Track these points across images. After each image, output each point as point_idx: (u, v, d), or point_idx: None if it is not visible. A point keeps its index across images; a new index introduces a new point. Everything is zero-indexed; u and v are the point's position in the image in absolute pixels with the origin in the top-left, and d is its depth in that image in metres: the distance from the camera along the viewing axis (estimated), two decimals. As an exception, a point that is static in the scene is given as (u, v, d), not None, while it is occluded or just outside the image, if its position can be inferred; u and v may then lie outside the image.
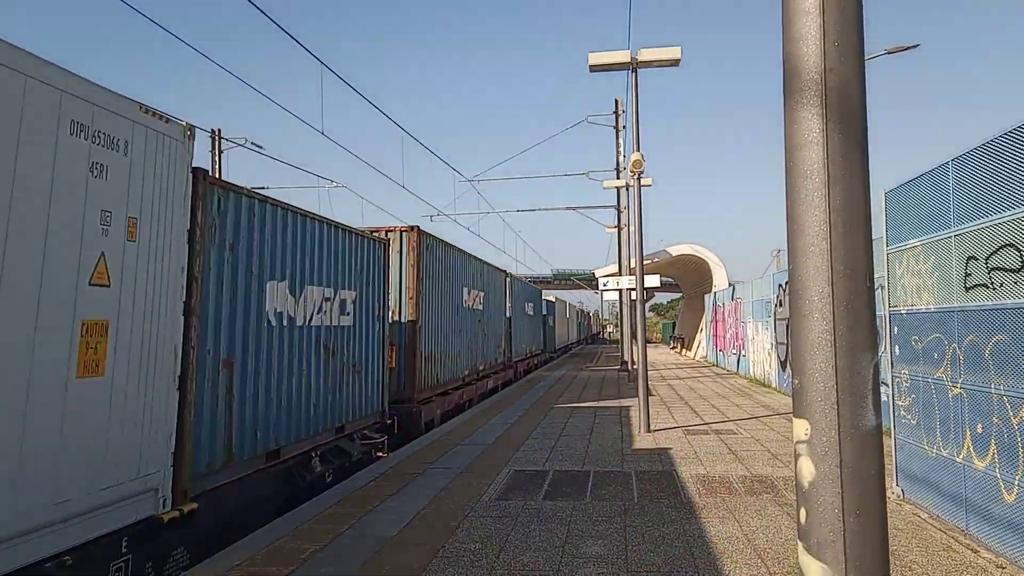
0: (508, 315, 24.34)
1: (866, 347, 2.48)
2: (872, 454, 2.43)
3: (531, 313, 30.69)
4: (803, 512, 2.49)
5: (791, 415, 13.66)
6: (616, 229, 29.64)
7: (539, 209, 36.10)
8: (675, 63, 12.44)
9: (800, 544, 2.51)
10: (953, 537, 5.87)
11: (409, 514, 6.94)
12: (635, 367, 24.56)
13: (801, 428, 2.53)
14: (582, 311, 76.94)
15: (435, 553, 5.75)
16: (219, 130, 27.94)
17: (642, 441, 10.91)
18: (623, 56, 12.47)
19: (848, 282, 2.51)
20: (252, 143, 28.11)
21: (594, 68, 12.70)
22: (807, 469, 2.48)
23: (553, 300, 43.07)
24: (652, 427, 12.29)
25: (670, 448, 10.25)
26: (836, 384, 2.47)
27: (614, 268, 35.33)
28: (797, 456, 2.53)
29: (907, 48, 16.23)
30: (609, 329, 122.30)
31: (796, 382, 2.58)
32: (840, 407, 2.45)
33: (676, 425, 12.58)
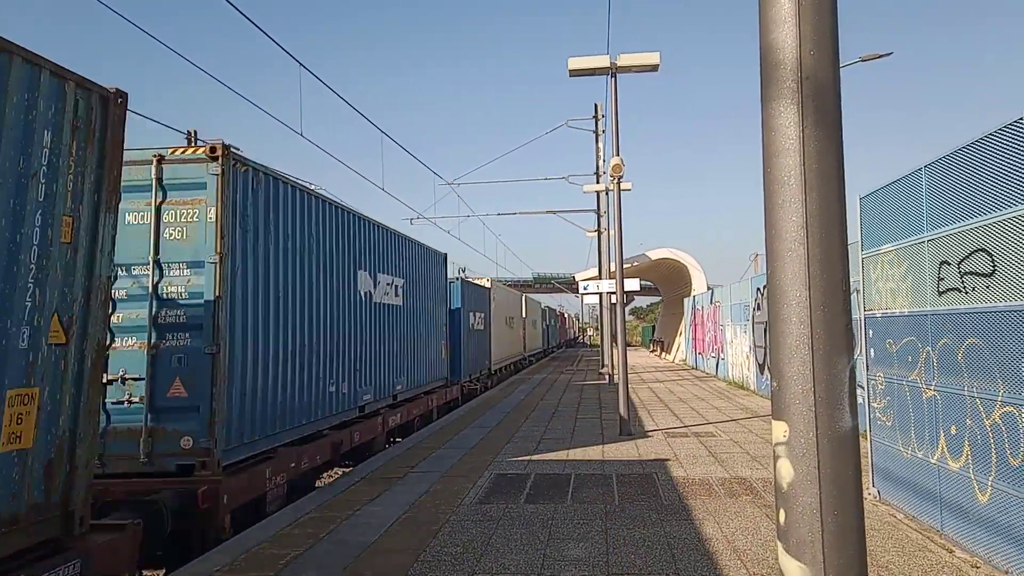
0: (211, 297, 7.22)
1: (842, 350, 2.52)
2: (849, 455, 2.47)
3: (395, 302, 13.68)
4: (782, 513, 2.52)
5: (770, 417, 13.80)
6: (596, 233, 29.77)
7: (519, 213, 36.16)
8: (654, 68, 12.56)
9: (779, 544, 2.54)
10: (928, 537, 5.96)
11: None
12: (616, 372, 24.68)
13: (780, 430, 2.57)
14: (550, 310, 61.25)
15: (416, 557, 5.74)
16: (195, 131, 27.62)
17: (622, 443, 10.96)
18: (602, 61, 12.57)
19: (825, 286, 2.55)
20: (234, 146, 27.87)
21: (574, 73, 12.79)
22: (786, 470, 2.52)
23: (486, 285, 24.71)
24: (632, 431, 12.35)
25: (650, 451, 10.31)
26: (814, 387, 2.51)
27: (594, 272, 35.47)
28: (776, 458, 2.57)
29: (881, 56, 16.52)
30: (589, 332, 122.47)
31: (775, 385, 2.62)
32: (818, 409, 2.49)
33: (656, 428, 12.65)
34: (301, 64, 12.24)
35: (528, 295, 41.08)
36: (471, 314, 21.25)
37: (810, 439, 2.49)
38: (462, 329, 19.72)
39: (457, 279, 19.93)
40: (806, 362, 2.54)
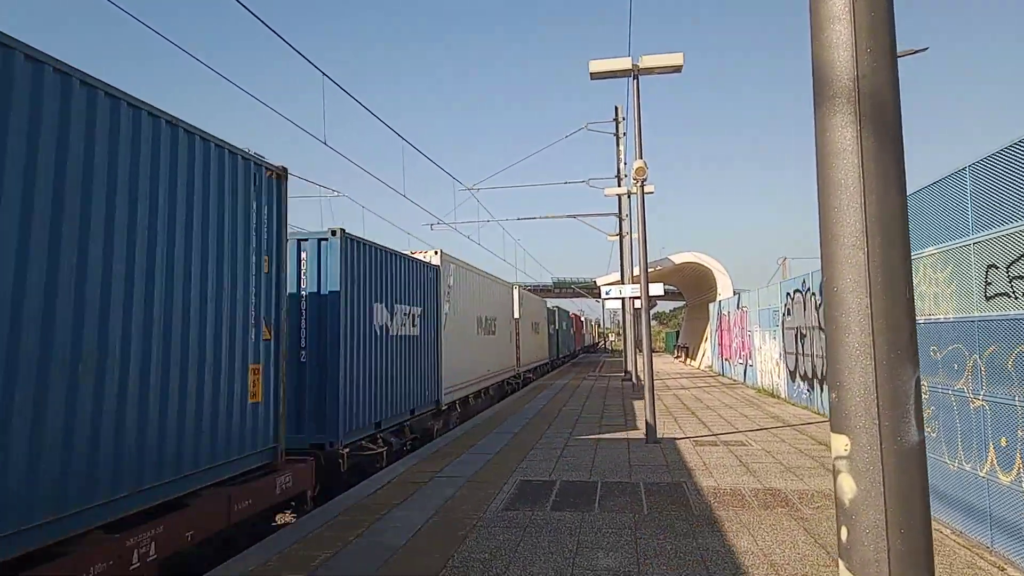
0: None
1: (907, 359, 2.41)
2: (916, 470, 2.35)
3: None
4: (844, 530, 2.41)
5: (803, 427, 13.56)
6: (617, 237, 29.59)
7: (539, 217, 36.11)
8: (677, 69, 12.42)
9: (841, 563, 2.43)
10: (977, 554, 5.75)
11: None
12: (640, 379, 24.48)
13: (840, 443, 2.45)
14: (561, 311, 48.08)
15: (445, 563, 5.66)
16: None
17: (649, 451, 10.80)
18: (624, 63, 12.45)
19: (887, 293, 2.44)
20: (256, 152, 28.16)
21: (595, 76, 12.68)
22: (848, 486, 2.40)
23: (432, 261, 15.30)
24: (659, 438, 12.19)
25: (678, 459, 10.15)
26: (877, 398, 2.39)
27: (616, 276, 35.27)
28: (837, 472, 2.45)
29: (917, 51, 16.14)
30: (611, 338, 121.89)
31: (833, 396, 2.50)
32: (881, 421, 2.38)
33: (684, 436, 12.47)
34: (324, 74, 12.28)
35: (518, 285, 28.72)
36: (383, 308, 11.85)
37: (874, 453, 2.37)
38: (343, 336, 10.03)
39: (334, 233, 10.01)
40: (868, 372, 2.42)
